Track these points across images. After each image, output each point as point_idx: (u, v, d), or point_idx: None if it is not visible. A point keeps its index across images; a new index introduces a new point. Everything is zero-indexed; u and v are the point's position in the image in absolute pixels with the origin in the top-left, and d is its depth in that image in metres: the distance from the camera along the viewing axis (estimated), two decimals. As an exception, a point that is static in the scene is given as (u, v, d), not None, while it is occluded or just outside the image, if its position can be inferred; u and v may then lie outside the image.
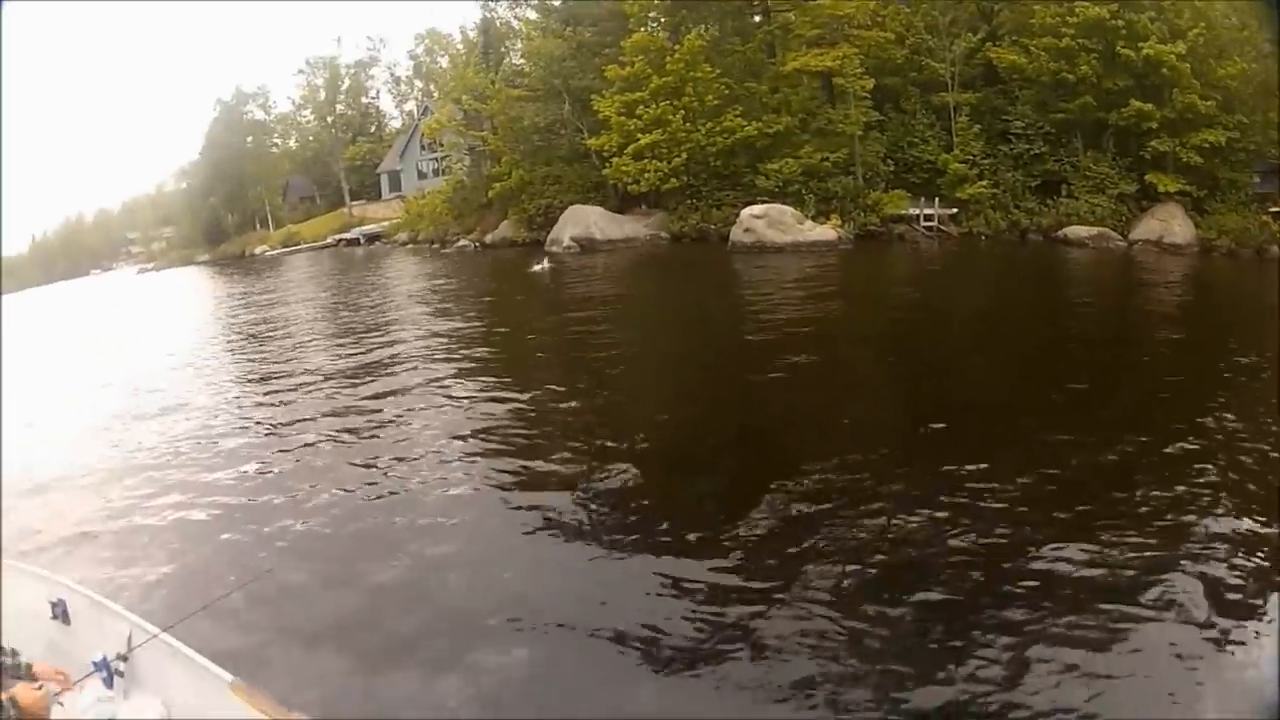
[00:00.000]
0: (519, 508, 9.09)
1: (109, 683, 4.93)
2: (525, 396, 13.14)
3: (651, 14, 39.54)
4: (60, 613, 5.60)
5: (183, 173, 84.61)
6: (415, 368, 15.56)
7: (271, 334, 22.64)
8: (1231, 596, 7.04)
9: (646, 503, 9.14)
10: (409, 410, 12.96)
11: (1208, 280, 28.65)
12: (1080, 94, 35.87)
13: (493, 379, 14.61)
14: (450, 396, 13.58)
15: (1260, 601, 7.03)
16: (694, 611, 6.95)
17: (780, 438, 11.22)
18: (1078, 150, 37.14)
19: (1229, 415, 11.51)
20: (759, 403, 12.73)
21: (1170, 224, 35.14)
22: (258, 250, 63.67)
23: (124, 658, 5.01)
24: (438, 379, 14.62)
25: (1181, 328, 19.64)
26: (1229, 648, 6.42)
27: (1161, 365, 15.23)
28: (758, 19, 40.93)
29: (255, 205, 69.81)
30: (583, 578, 7.60)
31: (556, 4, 43.17)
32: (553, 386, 13.62)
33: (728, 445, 10.93)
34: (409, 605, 7.24)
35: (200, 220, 73.39)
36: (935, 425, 11.01)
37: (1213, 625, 6.65)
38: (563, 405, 12.70)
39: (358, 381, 15.15)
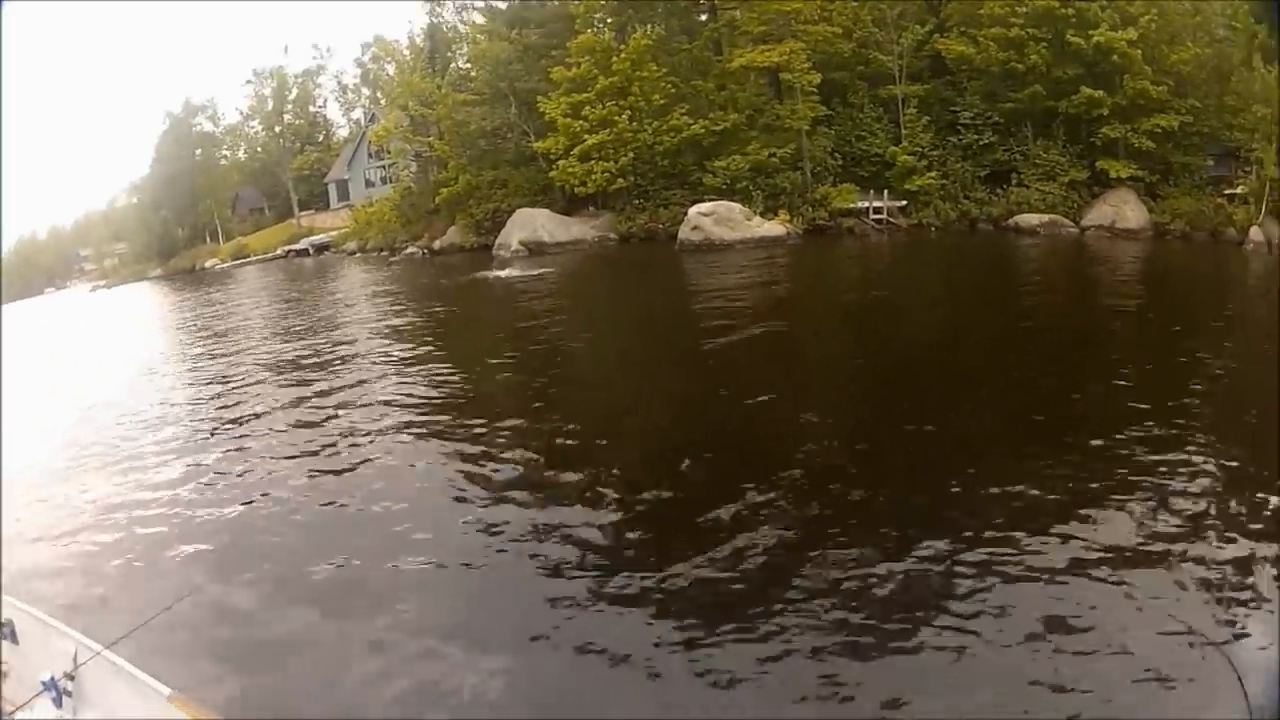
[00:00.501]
0: (471, 515, 8.90)
1: (58, 702, 5.10)
2: (480, 410, 12.70)
3: (597, 15, 39.09)
4: (8, 633, 5.71)
5: (134, 187, 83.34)
6: (363, 380, 15.08)
7: (219, 350, 21.85)
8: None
9: (605, 505, 8.92)
10: (359, 422, 12.58)
11: (1162, 262, 29.02)
12: (1030, 83, 35.93)
13: (446, 393, 14.14)
14: (401, 403, 13.28)
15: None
16: (648, 624, 6.75)
17: (739, 434, 11.03)
18: (1027, 139, 37.22)
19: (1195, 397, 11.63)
20: (716, 403, 12.50)
21: (1123, 209, 35.29)
22: (208, 264, 62.51)
23: (70, 676, 5.18)
24: (388, 388, 14.28)
25: (1133, 306, 19.94)
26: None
27: (1115, 346, 15.39)
28: (704, 17, 40.67)
29: (205, 218, 68.52)
30: (539, 592, 7.34)
31: (502, 7, 42.66)
32: (508, 399, 13.33)
33: (689, 447, 10.52)
34: (362, 621, 7.00)
35: (152, 235, 71.81)
36: (901, 424, 10.90)
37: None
38: (518, 414, 12.42)
39: (306, 401, 14.49)
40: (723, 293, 22.49)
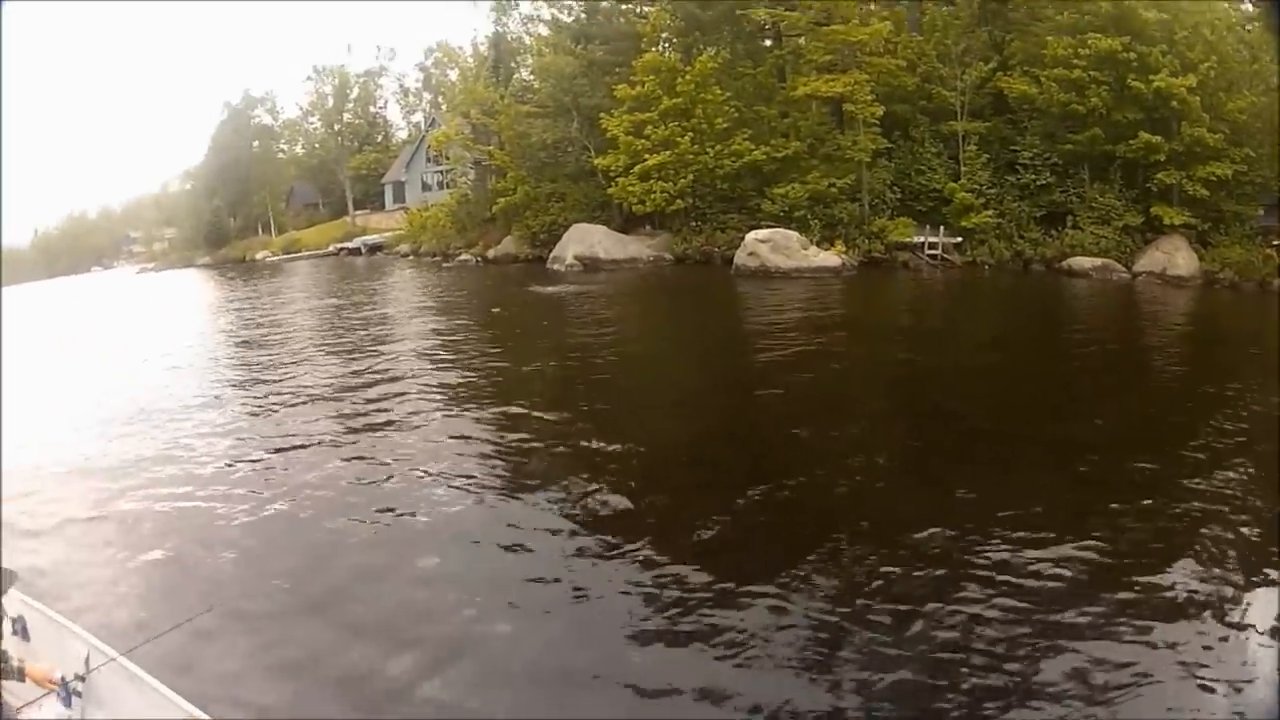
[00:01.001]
0: (512, 527, 9.02)
1: (67, 702, 5.06)
2: (523, 421, 12.93)
3: (664, 34, 39.51)
4: (20, 629, 5.69)
5: (188, 174, 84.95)
6: (407, 391, 15.10)
7: (266, 341, 22.38)
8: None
9: (647, 524, 9.05)
10: (400, 427, 12.72)
11: (1208, 312, 28.94)
12: (1089, 126, 35.88)
13: (491, 402, 14.36)
14: (448, 415, 13.42)
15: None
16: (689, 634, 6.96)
17: (782, 464, 11.14)
18: (1084, 181, 37.14)
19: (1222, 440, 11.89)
20: (762, 430, 12.69)
21: (1174, 256, 35.15)
22: (259, 255, 63.50)
23: (81, 678, 5.13)
24: (433, 398, 14.42)
25: (1177, 356, 20.27)
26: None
27: (1157, 391, 15.70)
28: (769, 43, 40.95)
29: (258, 210, 69.81)
30: (578, 615, 7.44)
31: (569, 21, 43.14)
32: (555, 411, 13.43)
33: (733, 472, 10.78)
34: (387, 642, 6.94)
35: (203, 222, 73.23)
36: (937, 460, 11.18)
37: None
38: (564, 430, 12.46)
39: (347, 396, 14.90)
40: (778, 322, 22.64)
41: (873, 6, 39.29)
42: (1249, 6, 40.92)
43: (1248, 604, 7.33)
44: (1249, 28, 38.46)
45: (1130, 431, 12.56)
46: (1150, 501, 9.62)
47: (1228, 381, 16.48)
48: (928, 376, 16.69)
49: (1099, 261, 35.38)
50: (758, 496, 9.76)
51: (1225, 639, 6.79)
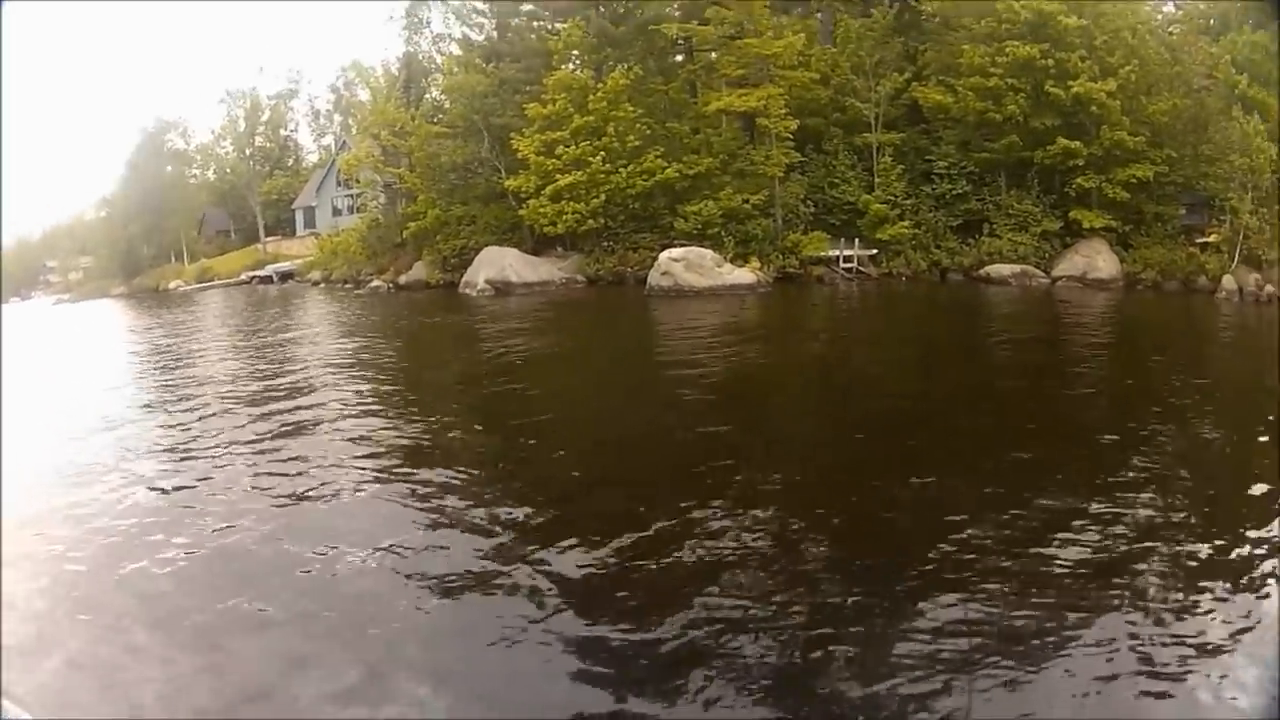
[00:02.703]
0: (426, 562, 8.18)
1: None
2: (440, 454, 11.92)
3: (575, 52, 38.70)
4: None
5: (103, 202, 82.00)
6: (318, 427, 13.80)
7: (173, 378, 20.72)
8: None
9: (563, 550, 8.33)
10: (311, 464, 11.55)
11: (1130, 311, 29.45)
12: (1006, 133, 36.02)
13: (403, 430, 13.38)
14: (358, 445, 12.30)
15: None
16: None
17: (700, 484, 10.36)
18: (1000, 189, 37.29)
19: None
20: (682, 450, 11.92)
21: (1094, 259, 35.46)
22: (172, 285, 61.19)
23: None
24: (344, 432, 13.18)
25: (1095, 352, 20.63)
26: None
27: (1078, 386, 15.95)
28: (680, 58, 40.48)
29: (171, 238, 67.23)
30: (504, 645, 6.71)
31: (479, 39, 42.13)
32: (469, 440, 12.62)
33: (651, 494, 10.03)
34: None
35: (117, 252, 70.43)
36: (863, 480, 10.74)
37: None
38: (480, 459, 11.65)
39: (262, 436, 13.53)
40: (692, 341, 21.89)
41: (785, 19, 38.99)
42: (1172, 8, 41.84)
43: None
44: (1171, 30, 39.19)
45: (1058, 423, 13.02)
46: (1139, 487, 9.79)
47: (1141, 375, 17.27)
48: (844, 385, 16.54)
49: (1018, 268, 35.53)
50: (674, 517, 9.09)
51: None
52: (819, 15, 41.01)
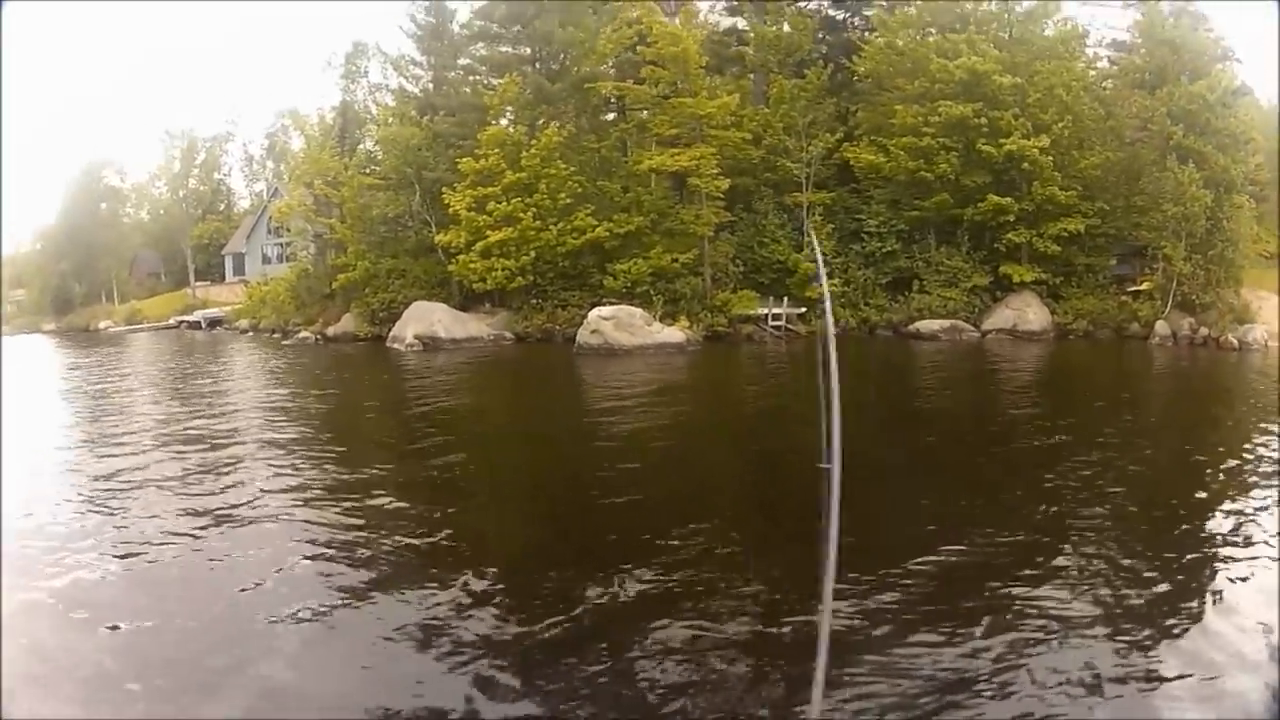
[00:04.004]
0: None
1: None
2: (360, 510, 11.40)
3: (510, 107, 38.70)
4: None
5: (39, 235, 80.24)
6: (239, 482, 13.09)
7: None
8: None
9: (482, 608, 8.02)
10: (231, 521, 10.97)
11: (1060, 359, 30.32)
12: (937, 191, 36.60)
13: (323, 484, 12.84)
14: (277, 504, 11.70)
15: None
16: None
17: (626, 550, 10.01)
18: (930, 246, 37.84)
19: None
20: (607, 511, 11.56)
21: (1024, 312, 36.12)
22: (102, 325, 59.93)
23: None
24: (263, 489, 12.50)
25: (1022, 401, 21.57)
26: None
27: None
28: (611, 116, 40.72)
29: (103, 277, 65.99)
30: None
31: (415, 90, 41.96)
32: (391, 499, 11.95)
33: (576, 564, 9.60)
34: None
35: (49, 287, 68.99)
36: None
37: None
38: (402, 518, 11.13)
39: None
40: (623, 399, 21.60)
41: (719, 79, 39.48)
42: (1107, 64, 42.98)
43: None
44: (1105, 85, 40.27)
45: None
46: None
47: (1082, 417, 17.89)
48: (765, 444, 16.33)
49: (947, 323, 36.06)
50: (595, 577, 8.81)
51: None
52: (752, 76, 41.63)
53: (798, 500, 11.78)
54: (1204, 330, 32.75)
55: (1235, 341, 31.64)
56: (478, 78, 41.20)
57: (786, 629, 7.45)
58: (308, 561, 9.31)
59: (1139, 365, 28.95)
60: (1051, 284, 36.69)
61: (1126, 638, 7.06)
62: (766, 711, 6.29)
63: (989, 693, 6.27)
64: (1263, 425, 16.56)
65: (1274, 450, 13.93)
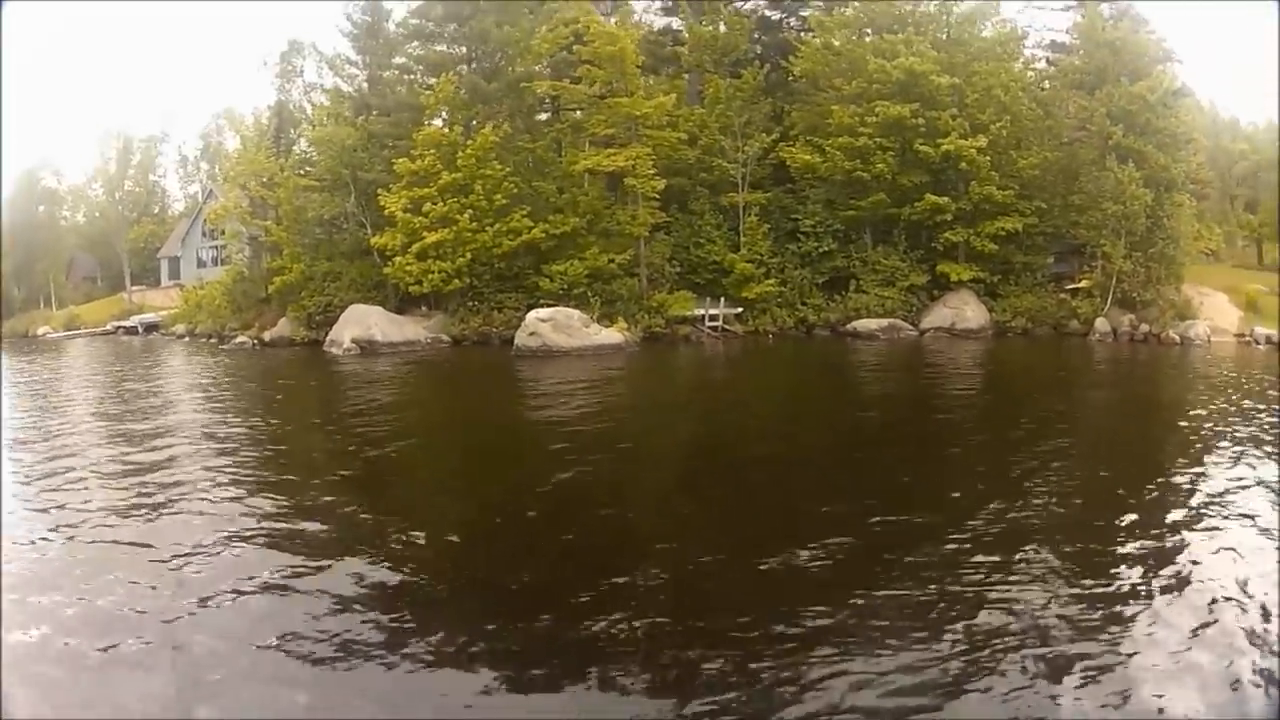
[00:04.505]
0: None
1: None
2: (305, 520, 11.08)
3: (445, 107, 38.41)
4: None
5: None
6: (182, 490, 12.61)
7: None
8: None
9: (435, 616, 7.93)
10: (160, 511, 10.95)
11: (1000, 356, 30.91)
12: (873, 191, 36.99)
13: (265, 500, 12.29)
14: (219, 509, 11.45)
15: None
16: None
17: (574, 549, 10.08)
18: (866, 245, 38.32)
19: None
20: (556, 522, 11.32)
21: (962, 310, 36.74)
22: (40, 331, 58.50)
23: None
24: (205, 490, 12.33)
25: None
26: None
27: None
28: (545, 116, 40.63)
29: (41, 280, 64.45)
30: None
31: (350, 90, 41.47)
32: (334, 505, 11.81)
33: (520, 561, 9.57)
34: None
35: (-9, 292, 67.37)
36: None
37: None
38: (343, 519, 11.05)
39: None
40: (567, 401, 21.61)
41: (653, 79, 39.57)
42: (1045, 65, 43.70)
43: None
44: (1043, 85, 40.92)
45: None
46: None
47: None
48: (704, 440, 16.53)
49: (885, 322, 36.56)
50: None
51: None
52: (687, 76, 41.77)
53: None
54: (1145, 326, 33.68)
55: (1177, 337, 32.63)
56: (413, 77, 40.82)
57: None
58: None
59: (1080, 360, 29.60)
60: (989, 282, 37.39)
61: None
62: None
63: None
64: (1239, 408, 17.44)
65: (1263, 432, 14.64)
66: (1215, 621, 7.15)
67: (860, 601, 7.77)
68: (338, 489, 12.89)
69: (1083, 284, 36.07)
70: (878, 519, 10.11)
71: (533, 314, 32.62)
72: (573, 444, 16.09)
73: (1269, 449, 13.42)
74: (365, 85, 41.19)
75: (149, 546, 9.97)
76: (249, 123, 46.96)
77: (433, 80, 38.28)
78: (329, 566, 9.33)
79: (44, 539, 10.09)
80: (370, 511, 11.47)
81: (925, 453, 14.86)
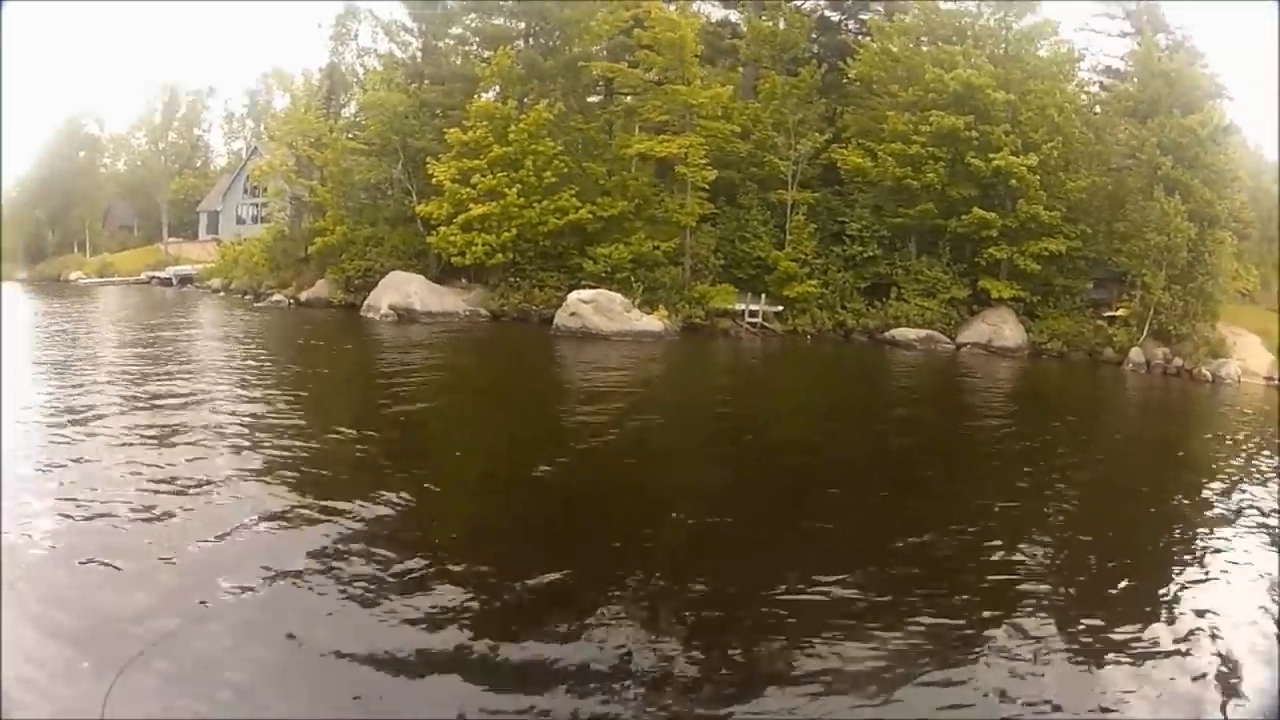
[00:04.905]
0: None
1: None
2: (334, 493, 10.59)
3: (499, 81, 38.23)
4: None
5: (18, 181, 78.86)
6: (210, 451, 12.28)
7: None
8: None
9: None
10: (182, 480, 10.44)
11: (1037, 378, 30.61)
12: (922, 200, 36.63)
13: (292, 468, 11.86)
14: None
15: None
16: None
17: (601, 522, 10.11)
18: (911, 254, 37.94)
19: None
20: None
21: (1001, 328, 36.35)
22: (73, 276, 58.83)
23: None
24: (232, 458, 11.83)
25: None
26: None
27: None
28: (596, 99, 40.44)
29: (76, 226, 64.84)
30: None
31: (404, 57, 41.38)
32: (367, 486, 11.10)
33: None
34: None
35: (24, 234, 67.44)
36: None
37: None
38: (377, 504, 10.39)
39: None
40: (607, 390, 21.08)
41: (709, 70, 39.24)
42: (1097, 90, 43.27)
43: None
44: (1095, 110, 40.56)
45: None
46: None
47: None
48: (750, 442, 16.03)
49: (923, 332, 36.18)
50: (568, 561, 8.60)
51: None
52: (741, 70, 41.43)
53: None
54: (1178, 361, 33.17)
55: (1209, 375, 32.12)
56: (469, 48, 40.67)
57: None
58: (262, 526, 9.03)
59: (1115, 389, 29.43)
60: (1029, 302, 36.96)
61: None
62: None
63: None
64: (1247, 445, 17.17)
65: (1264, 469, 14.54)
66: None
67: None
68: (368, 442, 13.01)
69: (1120, 312, 35.58)
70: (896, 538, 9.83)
71: (575, 294, 32.43)
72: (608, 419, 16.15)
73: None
74: (419, 54, 41.14)
75: (168, 480, 10.12)
76: (299, 83, 46.75)
77: (488, 53, 38.15)
78: (340, 509, 9.41)
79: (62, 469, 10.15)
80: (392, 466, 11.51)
81: (949, 467, 14.77)
